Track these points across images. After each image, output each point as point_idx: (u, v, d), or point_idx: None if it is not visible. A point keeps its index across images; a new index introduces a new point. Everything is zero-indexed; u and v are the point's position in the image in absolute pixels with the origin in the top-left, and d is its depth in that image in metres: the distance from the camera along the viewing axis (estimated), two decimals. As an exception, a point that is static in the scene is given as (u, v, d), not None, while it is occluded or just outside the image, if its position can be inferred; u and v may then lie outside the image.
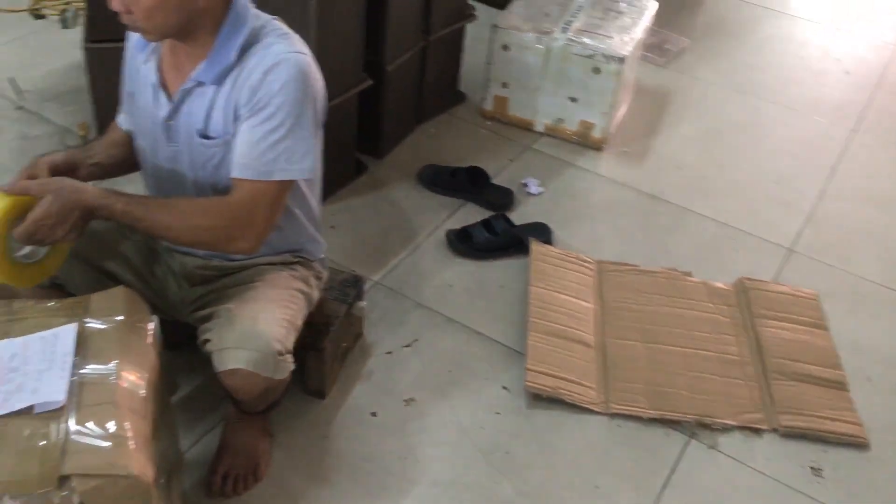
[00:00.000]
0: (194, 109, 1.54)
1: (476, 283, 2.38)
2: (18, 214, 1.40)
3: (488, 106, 3.07)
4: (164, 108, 1.56)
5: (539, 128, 3.05)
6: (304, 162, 1.52)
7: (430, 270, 2.40)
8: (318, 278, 1.81)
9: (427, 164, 2.78)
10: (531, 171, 2.85)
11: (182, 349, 1.75)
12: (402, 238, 2.50)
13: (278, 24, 1.56)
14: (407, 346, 2.15)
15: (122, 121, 1.73)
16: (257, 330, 1.53)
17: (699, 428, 2.01)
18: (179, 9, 1.42)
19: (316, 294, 1.80)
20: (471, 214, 2.63)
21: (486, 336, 2.21)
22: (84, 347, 1.35)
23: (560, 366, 2.10)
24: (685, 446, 1.97)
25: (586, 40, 2.86)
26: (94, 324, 1.39)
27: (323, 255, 1.84)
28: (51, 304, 1.42)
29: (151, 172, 1.66)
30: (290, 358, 1.59)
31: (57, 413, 1.24)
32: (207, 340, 1.56)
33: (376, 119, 2.73)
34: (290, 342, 1.60)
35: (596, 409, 2.03)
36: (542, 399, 2.03)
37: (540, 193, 2.76)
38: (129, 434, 1.24)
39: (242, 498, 1.74)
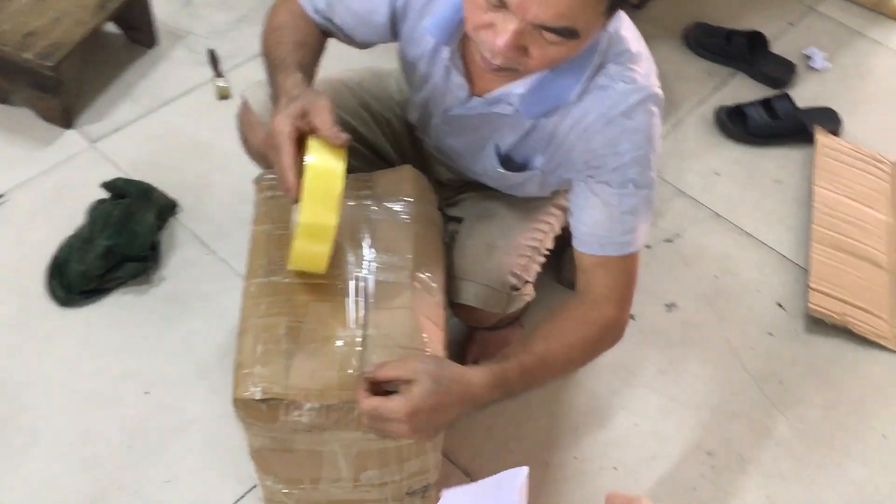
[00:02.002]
0: (500, 127, 1.23)
1: (747, 173, 2.08)
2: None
3: (770, -46, 2.60)
4: (455, 100, 1.23)
5: (828, -14, 2.57)
6: (650, 210, 1.19)
7: (693, 152, 2.11)
8: None
9: (696, 21, 2.40)
10: (815, 40, 2.42)
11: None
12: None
13: (622, 36, 1.13)
14: (668, 240, 1.91)
15: (317, 8, 1.25)
16: (491, 261, 1.31)
17: None
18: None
19: None
20: (742, 88, 2.28)
21: (757, 240, 1.93)
22: (373, 233, 1.20)
23: (846, 288, 1.81)
24: None
25: None
26: (382, 208, 1.24)
27: None
28: (337, 180, 1.27)
29: (421, 119, 1.38)
30: (529, 289, 1.39)
31: (353, 314, 1.11)
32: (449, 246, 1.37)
33: (645, -37, 2.36)
34: (531, 272, 1.38)
35: (888, 346, 1.76)
36: (822, 325, 1.77)
37: (826, 69, 2.35)
38: (427, 349, 1.10)
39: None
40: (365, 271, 1.16)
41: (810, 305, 1.76)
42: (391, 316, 1.12)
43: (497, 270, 1.31)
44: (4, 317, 1.63)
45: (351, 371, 1.07)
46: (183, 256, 1.76)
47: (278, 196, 1.25)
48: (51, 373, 1.57)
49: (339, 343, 1.08)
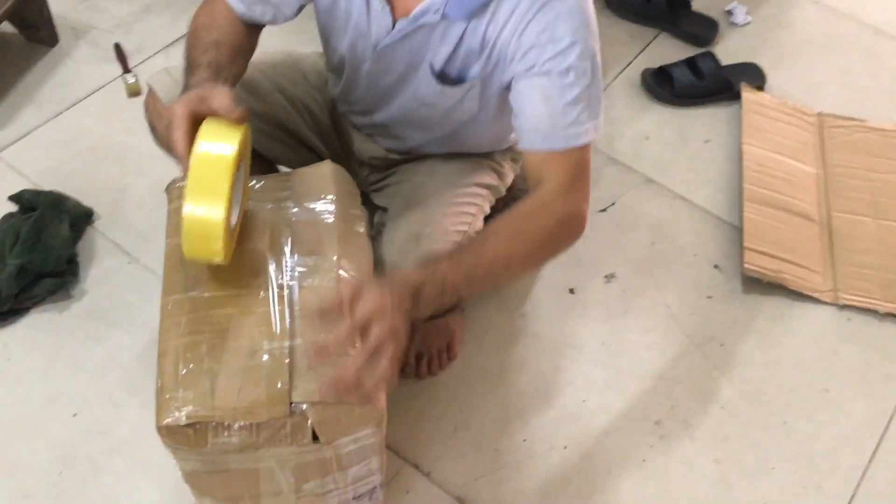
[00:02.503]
0: (431, 43, 1.20)
1: (677, 134, 2.07)
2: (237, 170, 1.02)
3: None
4: (381, 29, 1.21)
5: (744, -62, 2.56)
6: (598, 106, 1.17)
7: (622, 118, 2.09)
8: (515, 160, 1.54)
9: (617, -17, 2.37)
10: (735, -5, 2.41)
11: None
12: (589, 76, 2.17)
13: None
14: (602, 210, 1.90)
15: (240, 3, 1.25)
16: (419, 251, 1.28)
17: (944, 328, 1.75)
18: None
19: (510, 177, 1.54)
20: (667, 48, 2.26)
21: (691, 202, 1.93)
22: (295, 236, 1.15)
23: (780, 244, 1.82)
24: (927, 348, 1.72)
25: None
26: (302, 210, 1.18)
27: None
28: (251, 183, 1.21)
29: (346, 77, 1.34)
30: None
31: (279, 325, 1.07)
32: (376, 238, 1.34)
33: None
34: None
35: (823, 299, 1.77)
36: (759, 283, 1.77)
37: (747, 23, 2.35)
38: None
39: (439, 378, 1.60)
40: (288, 278, 1.11)
41: (745, 265, 1.76)
42: (319, 323, 1.07)
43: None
44: (-86, 348, 1.54)
45: (280, 385, 1.02)
46: (103, 267, 1.68)
47: (191, 204, 1.19)
48: (-31, 403, 1.49)
49: (265, 357, 1.04)
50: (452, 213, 1.35)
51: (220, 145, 0.98)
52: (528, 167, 1.20)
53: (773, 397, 1.62)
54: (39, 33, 2.02)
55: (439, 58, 1.21)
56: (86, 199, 1.76)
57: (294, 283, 1.10)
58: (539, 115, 1.15)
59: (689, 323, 1.72)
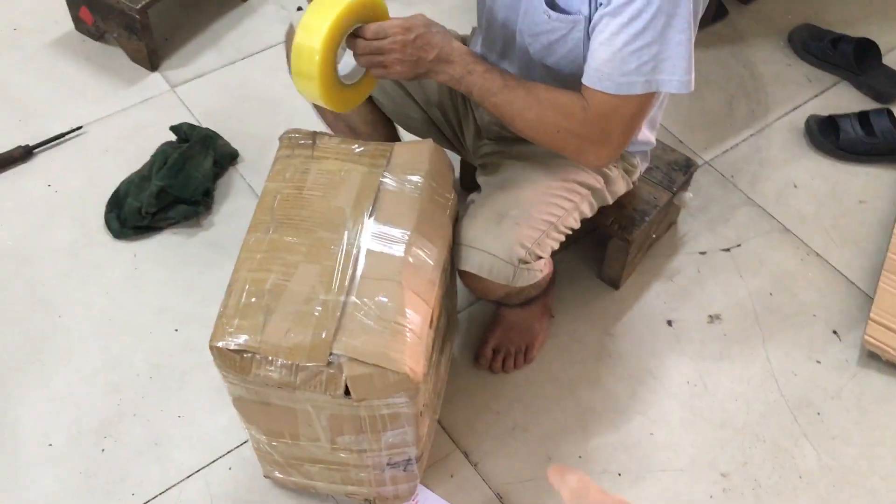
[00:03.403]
0: None
1: (830, 189, 1.94)
2: (351, 24, 1.16)
3: (903, -44, 2.40)
4: None
5: (964, -4, 2.35)
6: (675, 72, 1.16)
7: (775, 160, 1.99)
8: (628, 171, 1.51)
9: (805, 22, 2.25)
10: (938, 55, 2.23)
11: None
12: (750, 111, 2.09)
13: None
14: (726, 249, 1.82)
15: None
16: (499, 230, 1.29)
17: None
18: None
19: (621, 186, 1.51)
20: (844, 99, 2.12)
21: (824, 260, 1.81)
22: (378, 205, 1.20)
23: (914, 324, 1.67)
24: None
25: None
26: (393, 180, 1.24)
27: (645, 149, 1.53)
28: (354, 146, 1.28)
29: (486, 10, 1.38)
30: (540, 264, 1.34)
31: (339, 280, 1.12)
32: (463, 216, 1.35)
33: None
34: (544, 247, 1.34)
35: (947, 392, 1.62)
36: (878, 360, 1.64)
37: (943, 87, 2.15)
38: (409, 325, 1.10)
39: (510, 376, 1.61)
40: (361, 239, 1.16)
41: (866, 337, 1.64)
42: (377, 286, 1.12)
43: (504, 241, 1.29)
44: (63, 241, 1.74)
45: (325, 335, 1.08)
46: (235, 205, 1.83)
47: (295, 155, 1.27)
48: (93, 299, 1.66)
49: (319, 307, 1.10)
50: (543, 202, 1.35)
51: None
52: (583, 87, 1.22)
53: (860, 480, 1.50)
54: (234, -13, 2.21)
55: None
56: (235, 142, 1.91)
57: (364, 245, 1.16)
58: (598, 55, 1.16)
59: (788, 383, 1.62)
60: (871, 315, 1.67)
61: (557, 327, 1.67)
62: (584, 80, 1.20)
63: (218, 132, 1.89)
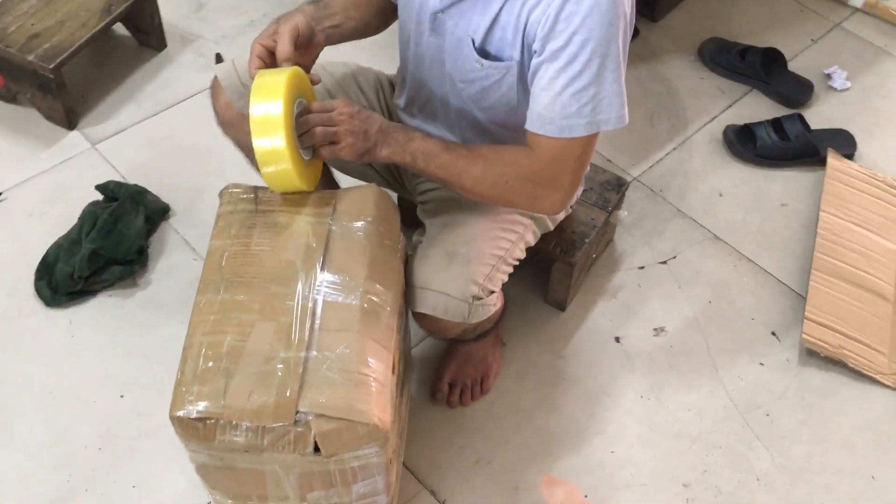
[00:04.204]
0: (474, 16, 1.23)
1: (752, 195, 2.02)
2: (297, 91, 1.20)
3: (796, -32, 2.53)
4: None
5: (856, 1, 2.49)
6: (612, 110, 1.19)
7: (698, 172, 2.06)
8: None
9: (712, 35, 2.35)
10: (837, 59, 2.34)
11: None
12: (670, 125, 2.15)
13: None
14: (662, 262, 1.87)
15: None
16: (451, 270, 1.30)
17: None
18: None
19: (560, 213, 1.54)
20: (757, 107, 2.21)
21: (756, 265, 1.88)
22: (329, 255, 1.19)
23: (846, 320, 1.75)
24: None
25: None
26: (341, 228, 1.23)
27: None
28: (298, 197, 1.26)
29: (411, 58, 1.39)
30: (493, 299, 1.36)
31: (298, 335, 1.11)
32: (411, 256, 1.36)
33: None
34: (495, 282, 1.36)
35: (884, 382, 1.69)
36: (817, 357, 1.71)
37: (845, 89, 2.27)
38: (372, 374, 1.09)
39: (468, 409, 1.61)
40: (314, 291, 1.15)
41: (804, 336, 1.70)
42: (336, 338, 1.11)
43: (457, 280, 1.30)
44: (-8, 314, 1.67)
45: (289, 393, 1.06)
46: (170, 261, 1.78)
47: (238, 210, 1.25)
48: (30, 371, 1.60)
49: (280, 365, 1.08)
50: (489, 237, 1.36)
51: (275, 74, 1.17)
52: (528, 134, 1.24)
53: (814, 476, 1.56)
54: (149, 38, 2.17)
55: (479, 32, 1.24)
56: (165, 196, 1.87)
57: (319, 297, 1.14)
58: (542, 102, 1.19)
59: (735, 388, 1.67)
60: (806, 314, 1.74)
61: (510, 354, 1.69)
62: (528, 126, 1.22)
63: (146, 187, 1.85)
